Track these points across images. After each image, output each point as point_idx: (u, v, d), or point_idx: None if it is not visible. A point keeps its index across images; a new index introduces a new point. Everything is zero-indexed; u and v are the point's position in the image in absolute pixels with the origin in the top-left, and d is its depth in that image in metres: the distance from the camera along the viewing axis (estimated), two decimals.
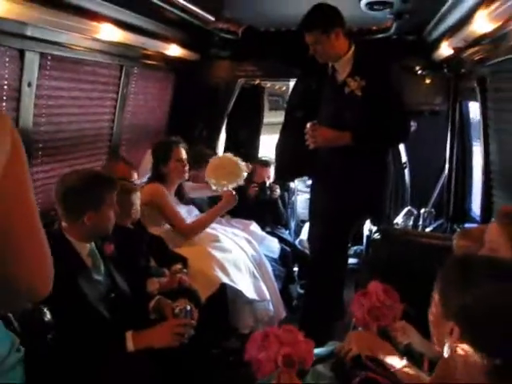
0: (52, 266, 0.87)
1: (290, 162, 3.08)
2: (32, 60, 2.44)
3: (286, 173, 3.35)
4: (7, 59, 2.32)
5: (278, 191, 4.18)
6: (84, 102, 3.09)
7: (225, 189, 3.17)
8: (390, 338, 1.87)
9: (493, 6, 2.09)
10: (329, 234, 2.90)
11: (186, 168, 3.26)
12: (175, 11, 2.89)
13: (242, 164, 3.19)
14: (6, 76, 2.34)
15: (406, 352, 1.79)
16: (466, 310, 1.09)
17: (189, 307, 2.11)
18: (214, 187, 3.20)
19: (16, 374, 1.08)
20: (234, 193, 3.18)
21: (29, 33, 2.28)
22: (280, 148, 3.12)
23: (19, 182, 0.81)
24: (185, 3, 2.84)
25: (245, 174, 3.19)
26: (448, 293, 1.18)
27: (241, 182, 3.20)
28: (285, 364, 1.42)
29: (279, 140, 3.14)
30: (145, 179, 3.35)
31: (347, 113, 2.73)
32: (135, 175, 2.82)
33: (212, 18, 3.25)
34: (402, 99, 2.87)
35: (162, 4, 2.68)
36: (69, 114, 2.97)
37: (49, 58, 2.62)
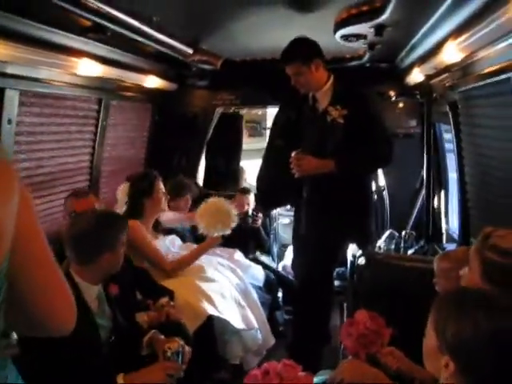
0: (74, 302, 0.90)
1: (273, 191, 3.08)
2: (12, 97, 2.44)
3: (268, 202, 3.36)
4: None
5: (260, 221, 4.16)
6: (63, 136, 3.09)
7: (211, 234, 3.15)
8: (379, 364, 1.89)
9: (461, 38, 2.19)
10: (314, 261, 2.91)
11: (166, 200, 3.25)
12: (153, 45, 2.91)
13: (234, 214, 3.16)
14: None
15: (397, 377, 1.81)
16: (461, 344, 1.11)
17: (181, 349, 2.07)
18: (201, 230, 3.17)
19: None
20: (219, 238, 3.17)
21: (9, 71, 2.29)
22: (262, 177, 3.13)
23: (31, 230, 0.81)
24: (162, 37, 2.87)
25: (233, 225, 3.15)
26: (443, 326, 1.18)
27: (228, 232, 3.16)
28: None
29: (261, 169, 3.15)
30: None
31: (330, 140, 2.78)
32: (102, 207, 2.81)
33: (190, 51, 3.29)
34: (385, 125, 2.93)
35: (140, 38, 2.70)
36: (49, 149, 2.96)
37: (28, 94, 2.62)
